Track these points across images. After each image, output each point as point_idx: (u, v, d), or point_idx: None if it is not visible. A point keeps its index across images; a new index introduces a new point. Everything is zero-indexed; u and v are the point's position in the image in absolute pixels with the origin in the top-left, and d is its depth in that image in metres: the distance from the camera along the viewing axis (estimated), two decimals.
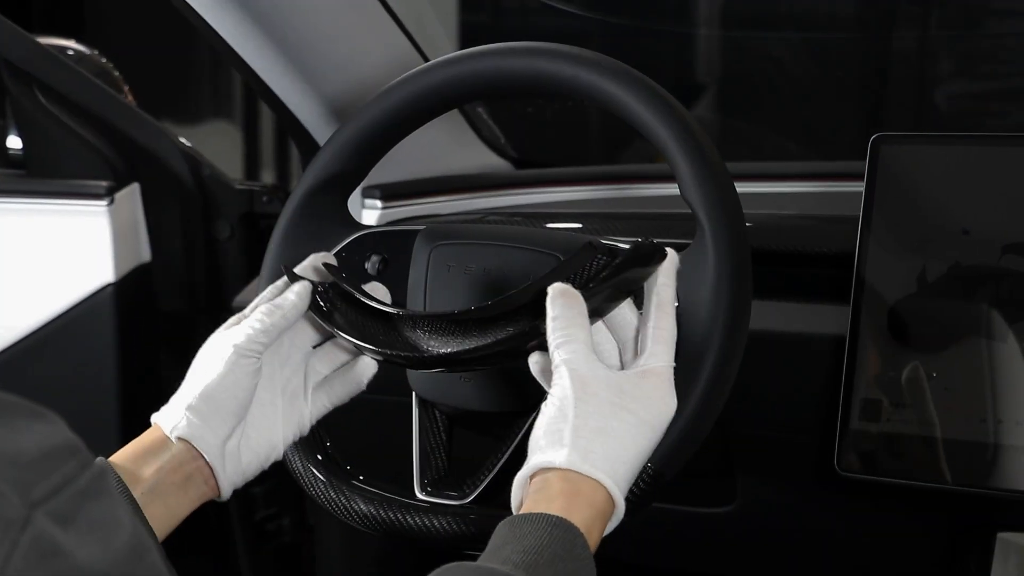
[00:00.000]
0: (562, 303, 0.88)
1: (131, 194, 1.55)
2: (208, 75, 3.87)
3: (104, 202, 1.51)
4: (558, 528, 0.78)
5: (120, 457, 0.91)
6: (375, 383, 1.04)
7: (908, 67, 2.75)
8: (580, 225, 1.30)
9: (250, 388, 0.94)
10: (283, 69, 1.37)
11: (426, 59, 1.45)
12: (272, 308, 0.96)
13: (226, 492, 0.94)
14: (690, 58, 2.92)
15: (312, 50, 1.37)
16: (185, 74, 3.82)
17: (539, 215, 1.42)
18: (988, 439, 1.03)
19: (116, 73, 1.65)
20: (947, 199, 1.07)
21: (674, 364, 0.89)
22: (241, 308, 1.43)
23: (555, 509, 0.79)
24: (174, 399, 0.94)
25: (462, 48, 1.08)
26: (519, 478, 0.85)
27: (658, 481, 0.93)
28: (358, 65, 1.40)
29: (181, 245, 1.60)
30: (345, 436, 1.07)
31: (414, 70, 1.09)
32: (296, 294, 0.98)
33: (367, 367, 1.01)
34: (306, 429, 0.99)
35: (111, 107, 1.56)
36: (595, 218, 1.33)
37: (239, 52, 1.35)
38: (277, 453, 0.97)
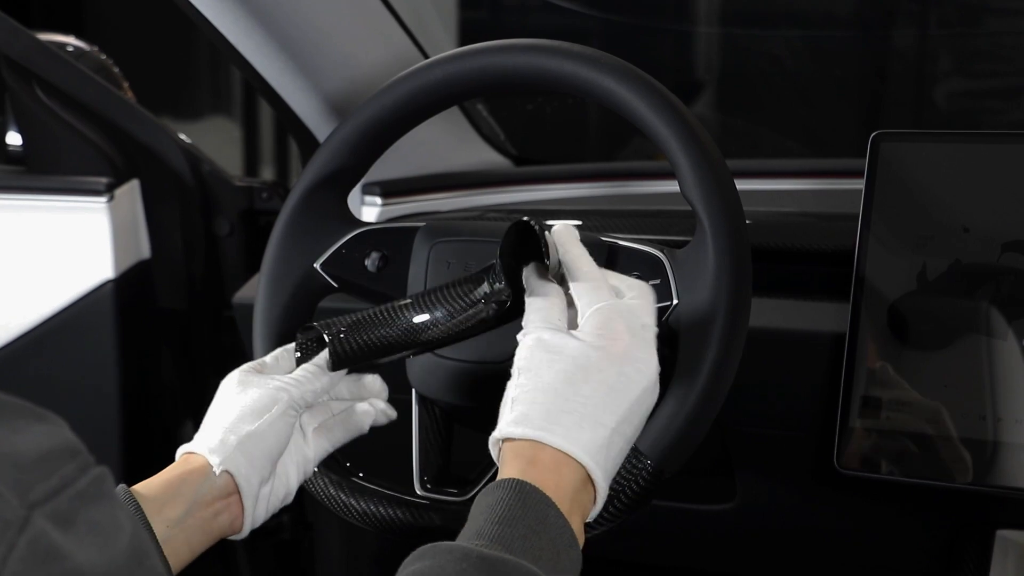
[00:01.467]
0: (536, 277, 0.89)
1: (131, 190, 1.55)
2: (208, 71, 3.87)
3: (104, 198, 1.51)
4: (524, 493, 0.77)
5: (148, 487, 0.89)
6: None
7: (907, 65, 2.75)
8: (580, 222, 1.30)
9: (288, 438, 0.95)
10: (283, 66, 1.37)
11: (426, 56, 1.45)
12: (320, 371, 0.96)
13: (246, 532, 0.94)
14: (690, 56, 2.92)
15: (312, 47, 1.37)
16: (185, 70, 3.82)
17: (539, 212, 1.42)
18: (987, 437, 1.03)
19: (116, 69, 1.65)
20: (947, 197, 1.07)
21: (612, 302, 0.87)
22: (241, 304, 1.43)
23: (524, 475, 0.78)
24: (214, 432, 0.92)
25: (462, 45, 1.08)
26: (490, 441, 0.84)
27: (658, 478, 0.93)
28: (358, 62, 1.40)
29: (181, 242, 1.59)
30: None
31: (414, 67, 1.09)
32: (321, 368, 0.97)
33: (366, 414, 1.00)
34: (311, 472, 0.99)
35: (111, 103, 1.56)
36: (594, 215, 1.33)
37: (239, 49, 1.35)
38: (291, 496, 0.97)
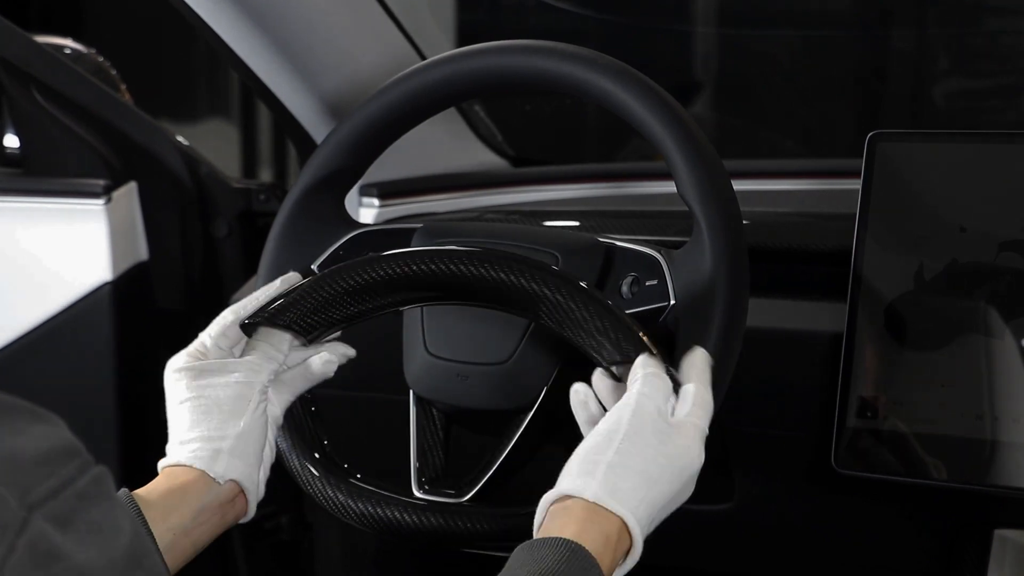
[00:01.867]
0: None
1: (128, 193, 1.55)
2: (206, 73, 3.87)
3: (101, 200, 1.51)
4: (575, 555, 0.77)
5: (151, 494, 0.89)
6: (372, 380, 1.04)
7: (905, 64, 2.75)
8: (578, 223, 1.30)
9: (267, 422, 0.96)
10: (280, 67, 1.37)
11: (423, 57, 1.45)
12: (274, 350, 0.97)
13: (252, 515, 0.96)
14: (687, 56, 2.92)
15: (309, 48, 1.37)
16: (183, 72, 3.82)
17: (536, 213, 1.42)
18: (985, 436, 1.03)
19: (113, 72, 1.65)
20: (944, 196, 1.07)
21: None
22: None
23: (569, 533, 0.79)
24: (199, 444, 0.92)
25: (459, 46, 1.08)
26: (544, 500, 0.83)
27: None
28: (355, 63, 1.40)
29: (179, 243, 1.59)
30: (342, 434, 1.07)
31: (411, 68, 1.09)
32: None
33: (327, 363, 1.00)
34: (281, 423, 0.99)
35: (108, 106, 1.56)
36: (592, 216, 1.33)
37: (236, 50, 1.35)
38: (272, 457, 0.98)
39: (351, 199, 1.42)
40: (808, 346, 1.13)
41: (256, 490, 0.94)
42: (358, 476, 1.03)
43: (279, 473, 1.01)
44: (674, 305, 0.95)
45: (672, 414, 0.86)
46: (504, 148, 1.64)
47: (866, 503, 1.17)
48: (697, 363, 0.89)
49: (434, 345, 1.04)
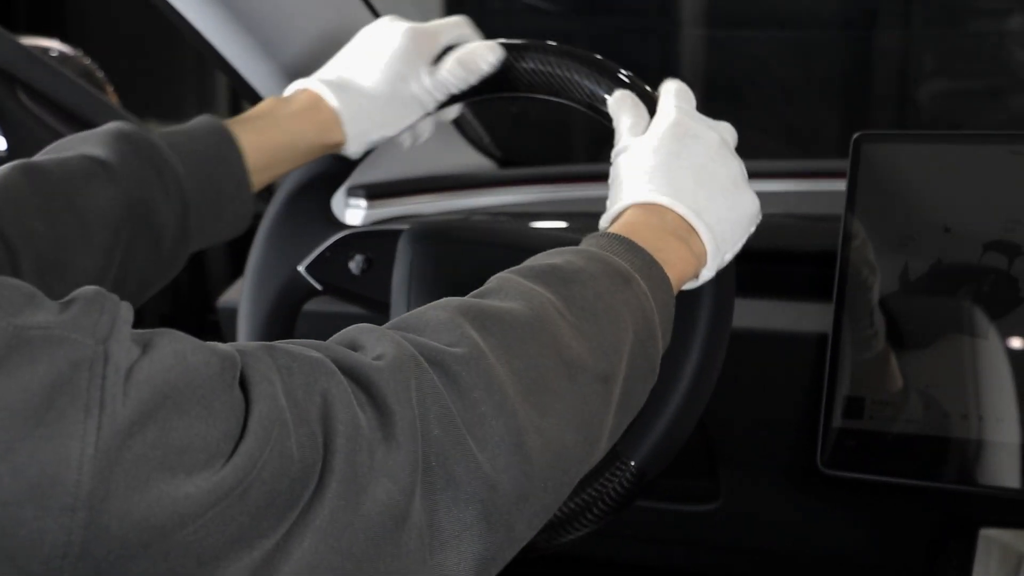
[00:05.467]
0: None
1: None
2: (193, 75, 3.86)
3: None
4: (615, 240, 0.83)
5: (263, 145, 1.01)
6: None
7: (890, 66, 2.76)
8: (565, 224, 1.31)
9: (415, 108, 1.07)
10: (266, 69, 1.37)
11: None
12: (465, 77, 1.06)
13: (349, 149, 1.05)
14: (673, 57, 2.93)
15: (296, 50, 1.37)
16: (169, 74, 3.81)
17: (524, 214, 1.42)
18: (970, 436, 1.03)
19: (99, 73, 1.65)
20: (928, 197, 1.07)
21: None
22: (225, 308, 1.43)
23: (619, 228, 0.86)
24: (359, 118, 1.04)
25: None
26: (601, 224, 0.91)
27: (641, 479, 0.93)
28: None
29: None
30: None
31: None
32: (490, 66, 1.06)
33: (485, 53, 1.07)
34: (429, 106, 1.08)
35: (94, 107, 1.56)
36: (579, 216, 1.33)
37: (220, 50, 1.35)
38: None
39: (338, 201, 1.42)
40: (794, 346, 1.13)
41: (361, 146, 1.05)
42: None
43: None
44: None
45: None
46: (491, 149, 1.64)
47: (852, 503, 1.17)
48: (667, 85, 0.97)
49: None
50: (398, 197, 1.46)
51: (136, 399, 0.56)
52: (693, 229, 0.88)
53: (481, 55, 1.05)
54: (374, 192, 1.44)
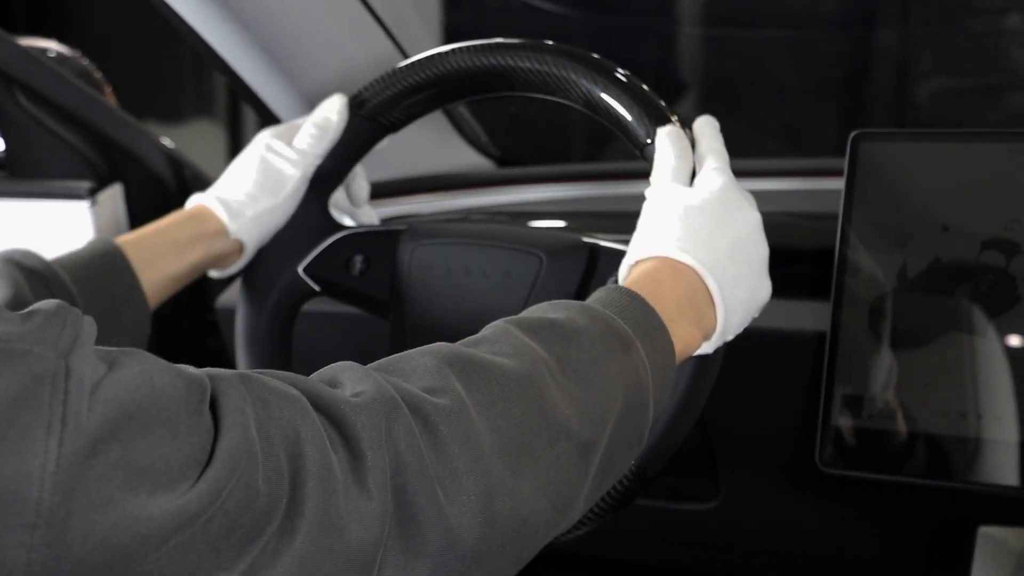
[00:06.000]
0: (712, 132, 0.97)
1: (114, 195, 1.55)
2: (192, 75, 3.86)
3: (87, 203, 1.51)
4: (628, 297, 0.82)
5: (157, 239, 1.08)
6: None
7: (889, 64, 2.76)
8: (563, 223, 1.31)
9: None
10: (264, 68, 1.37)
11: (406, 56, 1.44)
12: (322, 132, 1.11)
13: (233, 270, 1.10)
14: (672, 56, 2.93)
15: (293, 49, 1.37)
16: (168, 74, 3.81)
17: (522, 213, 1.42)
18: (969, 434, 1.03)
19: (97, 74, 1.65)
20: (926, 195, 1.08)
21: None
22: (224, 308, 1.43)
23: (638, 286, 0.84)
24: (235, 198, 1.11)
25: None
26: (621, 268, 0.90)
27: (641, 477, 0.93)
28: (339, 64, 1.40)
29: None
30: None
31: (393, 69, 1.10)
32: (337, 114, 1.11)
33: (361, 186, 1.17)
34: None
35: (93, 108, 1.56)
36: (578, 216, 1.33)
37: (219, 51, 1.35)
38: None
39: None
40: (792, 345, 1.13)
41: (250, 254, 1.10)
42: None
43: None
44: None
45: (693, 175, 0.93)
46: (489, 148, 1.64)
47: (851, 501, 1.17)
48: (704, 129, 0.97)
49: (419, 345, 1.04)
50: (396, 197, 1.47)
51: (100, 416, 0.56)
52: (712, 303, 0.87)
53: (328, 107, 1.11)
54: (372, 192, 1.44)
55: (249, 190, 1.09)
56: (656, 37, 2.88)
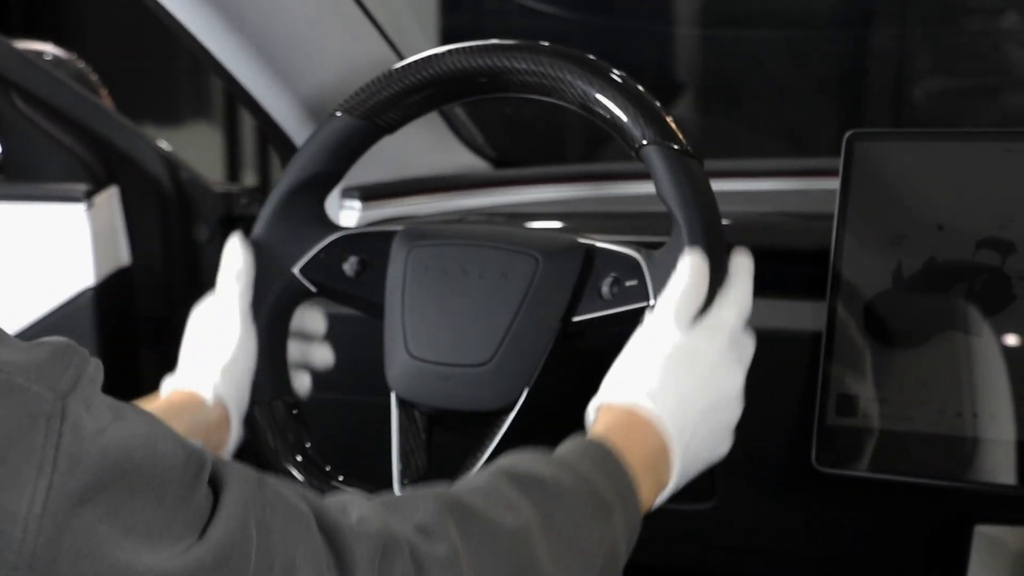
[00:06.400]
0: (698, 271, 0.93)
1: (110, 197, 1.55)
2: (189, 77, 3.86)
3: (83, 206, 1.51)
4: (603, 455, 0.82)
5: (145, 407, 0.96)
6: (354, 382, 1.04)
7: (885, 64, 2.76)
8: (559, 224, 1.31)
9: (254, 346, 1.06)
10: (260, 70, 1.37)
11: (402, 59, 1.44)
12: (235, 273, 1.09)
13: (233, 444, 1.04)
14: (669, 57, 2.93)
15: (289, 51, 1.37)
16: (165, 77, 3.81)
17: (519, 214, 1.42)
18: (965, 433, 1.03)
19: (94, 77, 1.65)
20: (921, 195, 1.08)
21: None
22: None
23: (611, 440, 0.85)
24: (196, 367, 1.04)
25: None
26: (590, 407, 0.90)
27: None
28: (335, 66, 1.40)
29: (160, 248, 1.59)
30: (324, 436, 1.08)
31: (389, 69, 1.10)
32: (238, 250, 1.09)
33: (317, 322, 1.13)
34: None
35: (89, 111, 1.56)
36: (573, 217, 1.33)
37: (215, 54, 1.35)
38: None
39: (333, 202, 1.42)
40: (788, 345, 1.13)
41: (240, 415, 1.03)
42: (340, 478, 1.03)
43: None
44: (654, 306, 0.95)
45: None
46: (485, 150, 1.64)
47: (846, 500, 1.17)
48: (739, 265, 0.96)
49: (415, 347, 1.04)
50: (392, 198, 1.47)
51: (95, 465, 0.55)
52: (671, 463, 0.88)
53: (229, 249, 1.10)
54: (368, 193, 1.44)
55: (202, 358, 1.05)
56: (653, 38, 2.88)
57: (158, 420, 0.61)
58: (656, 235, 1.15)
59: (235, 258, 1.09)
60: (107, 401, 0.59)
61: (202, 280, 1.61)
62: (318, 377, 1.16)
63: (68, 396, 0.56)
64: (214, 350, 1.04)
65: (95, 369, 0.60)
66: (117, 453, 0.56)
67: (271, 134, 1.45)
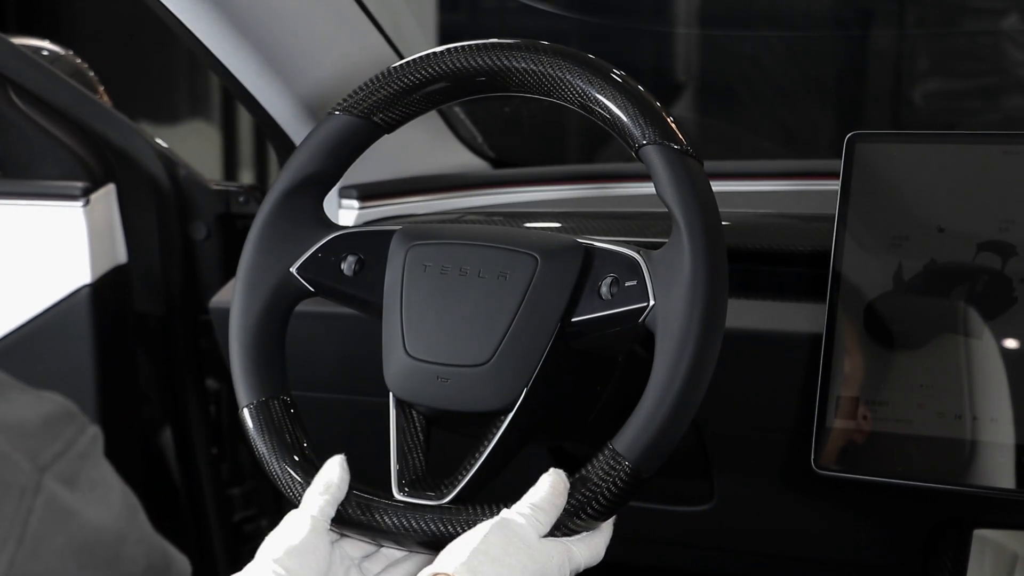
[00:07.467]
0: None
1: (107, 195, 1.55)
2: (186, 75, 3.85)
3: (80, 203, 1.50)
4: None
5: None
6: (352, 383, 1.03)
7: (885, 65, 2.76)
8: (558, 224, 1.30)
9: (327, 551, 0.97)
10: (258, 68, 1.37)
11: (401, 57, 1.44)
12: (331, 495, 0.99)
13: None
14: (668, 57, 2.93)
15: (288, 49, 1.37)
16: (163, 74, 3.81)
17: (517, 214, 1.42)
18: (964, 436, 1.03)
19: (91, 73, 1.64)
20: (922, 197, 1.07)
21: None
22: (218, 309, 1.43)
23: None
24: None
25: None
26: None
27: (636, 479, 0.93)
28: (334, 64, 1.40)
29: (157, 246, 1.59)
30: (322, 437, 1.07)
31: (388, 68, 1.09)
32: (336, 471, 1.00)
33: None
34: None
35: (86, 108, 1.56)
36: (572, 217, 1.33)
37: (213, 51, 1.34)
38: None
39: (331, 201, 1.42)
40: (787, 347, 1.13)
41: None
42: None
43: (259, 478, 1.01)
44: (653, 306, 0.95)
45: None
46: (484, 150, 1.64)
47: (846, 503, 1.17)
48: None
49: (413, 347, 1.04)
50: (391, 197, 1.46)
51: (57, 553, 0.54)
52: None
53: (330, 468, 1.01)
54: (367, 192, 1.44)
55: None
56: (653, 38, 2.88)
57: (139, 513, 0.59)
58: (656, 235, 1.15)
59: (331, 472, 1.01)
60: (95, 476, 0.57)
61: (198, 278, 1.61)
62: (317, 377, 1.15)
63: (47, 470, 0.54)
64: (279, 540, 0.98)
65: (89, 441, 0.57)
66: (81, 544, 0.54)
67: (269, 132, 1.45)
